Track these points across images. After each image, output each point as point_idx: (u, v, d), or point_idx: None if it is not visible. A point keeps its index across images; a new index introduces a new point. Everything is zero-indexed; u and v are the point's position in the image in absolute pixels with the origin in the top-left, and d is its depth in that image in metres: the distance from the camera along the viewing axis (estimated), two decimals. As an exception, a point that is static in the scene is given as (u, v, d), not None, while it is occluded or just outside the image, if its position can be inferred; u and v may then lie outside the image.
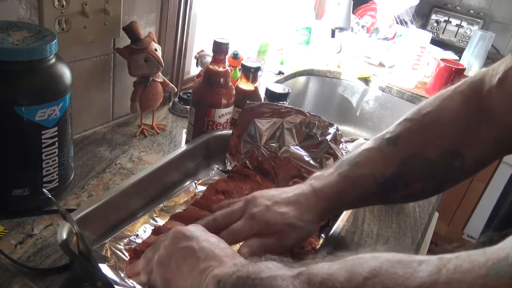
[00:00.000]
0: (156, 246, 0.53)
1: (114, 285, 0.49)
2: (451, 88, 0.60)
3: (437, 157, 0.58)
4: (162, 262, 0.49)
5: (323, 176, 0.62)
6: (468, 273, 0.28)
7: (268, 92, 0.93)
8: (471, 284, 0.28)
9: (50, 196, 0.52)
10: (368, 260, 0.34)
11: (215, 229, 0.57)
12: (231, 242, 0.57)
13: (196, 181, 0.81)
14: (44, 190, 0.54)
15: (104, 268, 0.51)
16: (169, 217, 0.68)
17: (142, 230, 0.66)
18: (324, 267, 0.37)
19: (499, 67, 0.57)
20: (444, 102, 0.59)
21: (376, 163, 0.60)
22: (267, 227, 0.58)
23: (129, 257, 0.59)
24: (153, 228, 0.66)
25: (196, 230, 0.51)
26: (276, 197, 0.60)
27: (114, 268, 0.56)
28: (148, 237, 0.63)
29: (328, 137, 0.80)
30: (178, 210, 0.72)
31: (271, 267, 0.41)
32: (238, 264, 0.44)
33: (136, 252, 0.59)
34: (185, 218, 0.66)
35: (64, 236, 0.54)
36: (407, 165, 0.59)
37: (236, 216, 0.60)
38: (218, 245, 0.49)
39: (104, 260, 0.51)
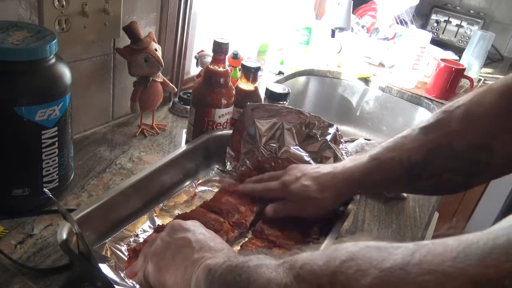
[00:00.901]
0: (153, 241, 0.54)
1: (114, 285, 0.49)
2: (488, 85, 0.62)
3: (464, 149, 0.59)
4: (157, 251, 0.51)
5: (357, 157, 0.68)
6: (438, 256, 0.29)
7: (268, 92, 0.93)
8: (439, 265, 0.28)
9: (51, 195, 0.52)
10: (347, 246, 0.36)
11: (259, 181, 0.74)
12: (262, 193, 0.73)
13: (196, 181, 0.81)
14: (45, 189, 0.54)
15: (104, 268, 0.51)
16: (172, 217, 0.68)
17: (142, 230, 0.66)
18: (306, 254, 0.39)
19: None
20: (477, 97, 0.61)
21: (405, 149, 0.63)
22: (291, 195, 0.69)
23: (128, 256, 0.59)
24: (155, 227, 0.66)
25: (193, 224, 0.54)
26: (307, 171, 0.70)
27: (114, 268, 0.56)
28: (148, 236, 0.63)
29: (328, 137, 0.80)
30: (178, 210, 0.73)
31: (260, 257, 0.43)
32: (230, 256, 0.46)
33: (135, 252, 0.59)
34: (190, 218, 0.66)
35: (64, 236, 0.54)
36: (434, 154, 0.61)
37: (276, 178, 0.72)
38: (213, 239, 0.51)
39: (104, 260, 0.51)
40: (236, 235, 0.67)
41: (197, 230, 0.52)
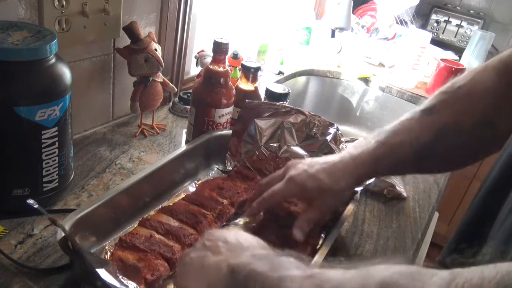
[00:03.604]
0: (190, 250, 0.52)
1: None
2: (483, 64, 0.63)
3: (470, 127, 0.60)
4: (187, 261, 0.49)
5: (360, 144, 0.67)
6: (476, 287, 0.28)
7: (268, 92, 0.93)
8: None
9: (37, 206, 0.52)
10: (379, 271, 0.34)
11: (260, 193, 0.67)
12: (271, 201, 0.66)
13: (196, 181, 0.81)
14: (28, 201, 0.53)
15: (103, 273, 0.50)
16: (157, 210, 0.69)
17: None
18: (337, 274, 0.37)
19: None
20: (477, 76, 0.62)
21: (412, 131, 0.63)
22: (303, 191, 0.64)
23: (116, 246, 0.60)
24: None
25: (226, 230, 0.52)
26: (314, 163, 0.66)
27: (113, 272, 0.56)
28: (134, 228, 0.63)
29: (328, 137, 0.80)
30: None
31: (284, 266, 0.40)
32: (256, 256, 0.44)
33: (121, 241, 0.59)
34: (174, 211, 0.67)
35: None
36: (442, 133, 0.61)
37: (277, 180, 0.67)
38: (244, 237, 0.49)
39: (104, 264, 0.51)
40: (218, 226, 0.68)
41: (229, 233, 0.50)
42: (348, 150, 0.67)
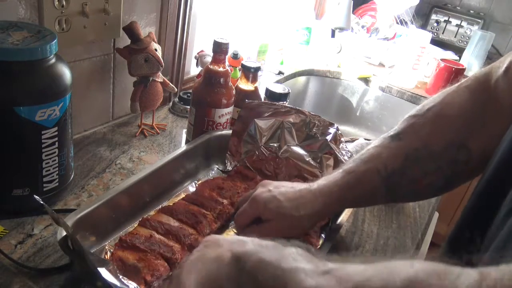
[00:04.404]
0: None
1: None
2: (456, 84, 0.61)
3: (441, 150, 0.58)
4: (183, 262, 0.46)
5: (329, 175, 0.64)
6: None
7: (268, 92, 0.93)
8: None
9: (41, 202, 0.51)
10: (403, 268, 0.32)
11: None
12: (240, 223, 0.66)
13: (196, 181, 0.81)
14: (35, 196, 0.53)
15: (104, 272, 0.50)
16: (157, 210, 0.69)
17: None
18: (357, 270, 0.34)
19: (505, 59, 0.58)
20: (448, 97, 0.60)
21: (380, 158, 0.60)
22: (264, 210, 0.63)
23: (116, 246, 0.60)
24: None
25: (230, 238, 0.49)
26: (281, 186, 0.65)
27: (114, 272, 0.56)
28: (134, 228, 0.63)
29: (328, 137, 0.80)
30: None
31: (295, 257, 0.38)
32: (263, 245, 0.41)
33: (121, 241, 0.59)
34: (174, 211, 0.67)
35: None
36: (412, 158, 0.59)
37: (248, 197, 0.66)
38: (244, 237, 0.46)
39: (104, 264, 0.51)
40: (218, 226, 0.68)
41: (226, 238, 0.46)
42: (318, 181, 0.64)
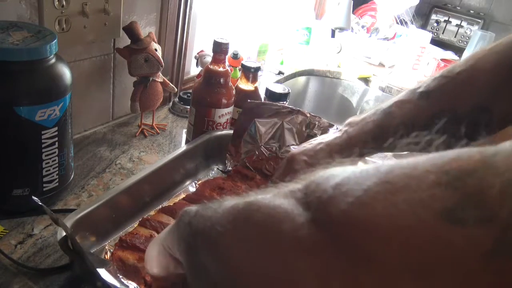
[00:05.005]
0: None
1: None
2: (487, 48, 0.61)
3: (465, 114, 0.59)
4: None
5: (358, 123, 0.66)
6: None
7: (268, 92, 0.93)
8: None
9: (40, 203, 0.51)
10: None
11: None
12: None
13: (196, 181, 0.81)
14: (34, 198, 0.53)
15: (103, 273, 0.50)
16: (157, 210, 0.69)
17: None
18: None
19: None
20: (479, 63, 0.60)
21: (408, 114, 0.61)
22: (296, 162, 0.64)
23: (116, 246, 0.60)
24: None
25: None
26: (312, 140, 0.67)
27: (114, 272, 0.56)
28: (134, 228, 0.63)
29: (328, 137, 0.80)
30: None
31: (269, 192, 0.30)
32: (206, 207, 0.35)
33: (121, 241, 0.59)
34: (174, 211, 0.67)
35: (64, 236, 0.54)
36: (437, 119, 0.59)
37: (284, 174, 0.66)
38: None
39: (104, 264, 0.51)
40: None
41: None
42: (345, 129, 0.67)
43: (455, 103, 0.60)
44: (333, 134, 0.68)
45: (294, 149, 0.69)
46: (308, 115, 0.82)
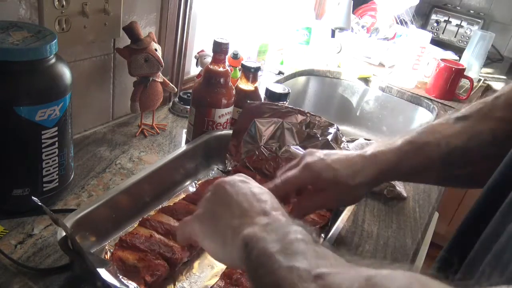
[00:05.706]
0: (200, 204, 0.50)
1: None
2: None
3: (504, 138, 0.56)
4: (200, 218, 0.48)
5: (386, 142, 0.63)
6: None
7: (268, 92, 0.93)
8: None
9: (40, 203, 0.52)
10: (395, 279, 0.31)
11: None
12: (284, 190, 0.61)
13: (196, 181, 0.81)
14: (34, 198, 0.53)
15: (103, 272, 0.50)
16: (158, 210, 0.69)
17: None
18: (345, 280, 0.33)
19: None
20: None
21: (443, 133, 0.59)
22: (318, 179, 0.60)
23: (116, 246, 0.60)
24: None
25: (238, 180, 0.49)
26: (332, 153, 0.62)
27: (114, 272, 0.56)
28: (134, 228, 0.63)
29: (329, 137, 0.80)
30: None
31: (296, 249, 0.37)
32: (268, 226, 0.41)
33: (121, 241, 0.59)
34: (174, 211, 0.67)
35: (64, 236, 0.54)
36: (475, 140, 0.58)
37: (294, 166, 0.63)
38: (256, 197, 0.46)
39: (104, 264, 0.51)
40: None
41: (240, 189, 0.47)
42: (368, 148, 0.63)
43: (494, 125, 0.58)
44: (357, 151, 0.64)
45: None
46: (308, 114, 0.82)
